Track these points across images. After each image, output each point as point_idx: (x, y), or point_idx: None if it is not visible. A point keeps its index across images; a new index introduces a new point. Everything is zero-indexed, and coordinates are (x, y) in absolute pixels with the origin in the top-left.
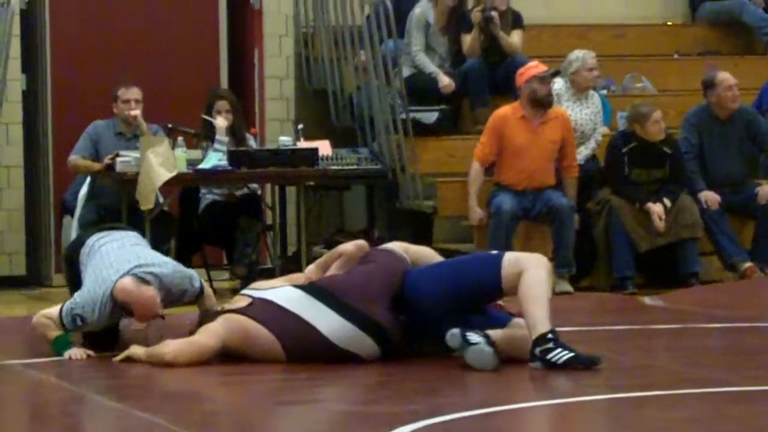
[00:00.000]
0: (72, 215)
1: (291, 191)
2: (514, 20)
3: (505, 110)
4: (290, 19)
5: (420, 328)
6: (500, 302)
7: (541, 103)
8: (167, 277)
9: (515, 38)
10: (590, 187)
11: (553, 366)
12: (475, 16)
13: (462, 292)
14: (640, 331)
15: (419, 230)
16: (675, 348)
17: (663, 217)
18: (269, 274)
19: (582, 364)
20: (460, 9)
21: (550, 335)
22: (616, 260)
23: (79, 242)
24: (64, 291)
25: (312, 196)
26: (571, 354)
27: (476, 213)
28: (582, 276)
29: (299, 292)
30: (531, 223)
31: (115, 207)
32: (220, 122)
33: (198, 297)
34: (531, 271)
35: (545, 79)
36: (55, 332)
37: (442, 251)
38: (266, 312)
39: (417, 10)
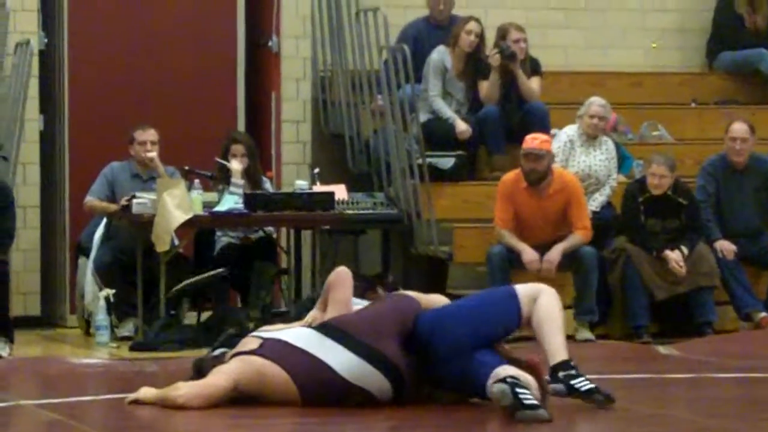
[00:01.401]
0: (87, 256)
1: (306, 235)
2: (533, 67)
3: (511, 176)
4: (308, 62)
5: (430, 369)
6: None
7: (528, 179)
8: None
9: (534, 84)
10: (606, 235)
11: (575, 392)
12: (494, 58)
13: (481, 331)
14: (654, 380)
15: (434, 276)
16: (689, 398)
17: (682, 264)
18: (283, 318)
19: (602, 396)
20: (478, 55)
21: (573, 362)
22: (632, 309)
23: None
24: (78, 332)
25: (327, 240)
26: (593, 385)
27: (529, 254)
28: (597, 324)
29: (309, 331)
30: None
31: (131, 249)
32: (236, 166)
33: None
34: (543, 298)
35: (529, 155)
36: None
37: (456, 297)
38: (278, 351)
39: (434, 55)
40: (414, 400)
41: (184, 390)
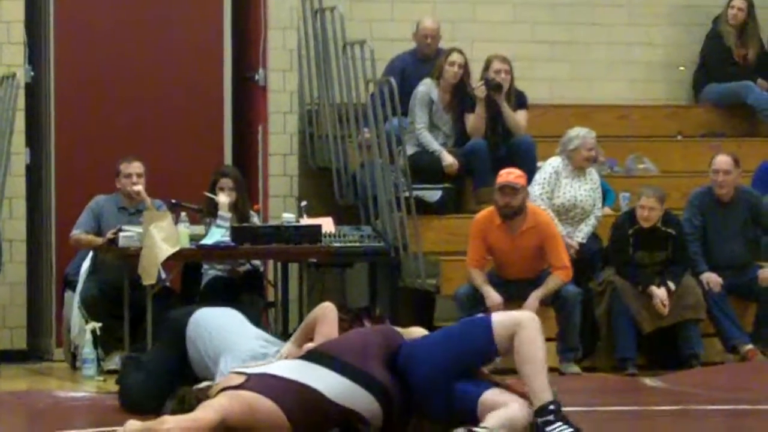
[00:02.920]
0: (74, 290)
1: (293, 268)
2: (519, 100)
3: (484, 214)
4: (295, 96)
5: (414, 399)
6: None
7: (502, 213)
8: None
9: (520, 117)
10: (591, 267)
11: None
12: (479, 90)
13: (457, 360)
14: (641, 412)
15: (421, 309)
16: (676, 430)
17: (666, 303)
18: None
19: None
20: (463, 87)
21: (551, 406)
22: (618, 341)
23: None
24: (65, 366)
25: (314, 274)
26: (571, 430)
27: (493, 298)
28: (583, 356)
29: (295, 361)
30: (515, 304)
31: (118, 282)
32: (223, 199)
33: None
34: (523, 333)
35: (504, 189)
36: None
37: None
38: (265, 384)
39: (421, 88)
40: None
41: (171, 424)
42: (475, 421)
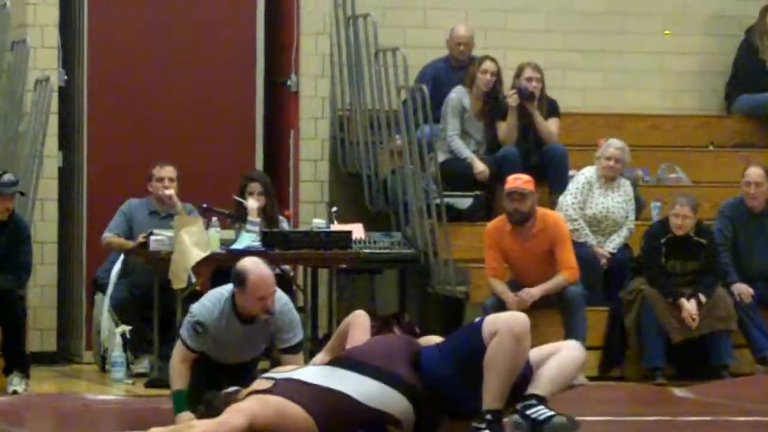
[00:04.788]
0: (104, 293)
1: (323, 273)
2: (550, 108)
3: (495, 223)
4: (326, 101)
5: (443, 399)
6: None
7: (511, 219)
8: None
9: (552, 126)
10: (622, 276)
11: None
12: (512, 98)
13: (463, 358)
14: (669, 422)
15: (450, 316)
16: None
17: (695, 317)
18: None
19: None
20: (495, 94)
21: (488, 416)
22: (647, 350)
23: None
24: (94, 368)
25: (344, 279)
26: None
27: (512, 303)
28: (612, 365)
29: (323, 367)
30: (542, 311)
31: (148, 285)
32: (252, 204)
33: (290, 351)
34: (496, 337)
35: (512, 195)
36: (177, 384)
37: None
38: (292, 389)
39: (453, 95)
40: None
41: (200, 428)
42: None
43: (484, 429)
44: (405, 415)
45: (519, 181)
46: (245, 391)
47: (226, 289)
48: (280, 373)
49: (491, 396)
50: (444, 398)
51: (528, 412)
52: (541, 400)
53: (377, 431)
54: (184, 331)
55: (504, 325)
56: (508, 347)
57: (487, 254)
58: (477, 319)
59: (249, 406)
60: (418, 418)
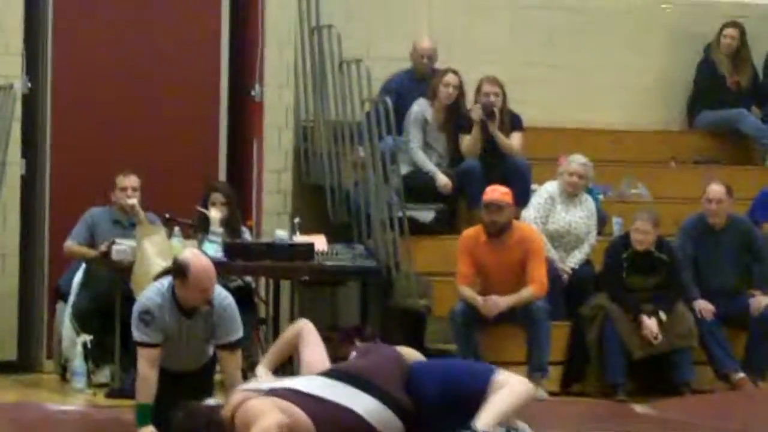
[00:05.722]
0: (66, 301)
1: (285, 285)
2: (513, 122)
3: (471, 232)
4: (291, 111)
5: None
6: None
7: (488, 231)
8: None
9: (514, 140)
10: (584, 292)
11: None
12: (475, 112)
13: (455, 387)
14: None
15: (412, 329)
16: None
17: (656, 335)
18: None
19: None
20: (458, 108)
21: (480, 429)
22: (609, 366)
23: None
24: (55, 378)
25: (306, 291)
26: None
27: (481, 302)
28: (573, 381)
29: (326, 380)
30: (506, 326)
31: (110, 294)
32: (214, 214)
33: (228, 348)
34: (514, 380)
35: (489, 206)
36: (142, 396)
37: (434, 352)
38: (298, 398)
39: (415, 107)
40: None
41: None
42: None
43: None
44: None
45: (496, 192)
46: (237, 398)
47: (165, 281)
48: (265, 384)
49: (488, 417)
50: (431, 416)
51: None
52: None
53: None
54: (136, 332)
55: (519, 379)
56: (522, 392)
57: (460, 260)
58: (487, 366)
59: (264, 403)
60: None
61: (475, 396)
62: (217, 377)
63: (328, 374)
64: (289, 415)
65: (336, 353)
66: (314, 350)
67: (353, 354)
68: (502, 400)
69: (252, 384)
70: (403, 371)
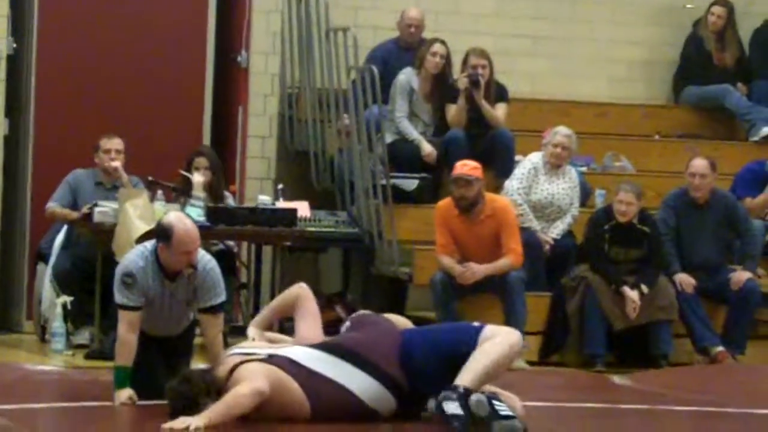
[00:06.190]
0: (46, 263)
1: (267, 250)
2: (499, 94)
3: (444, 204)
4: (276, 78)
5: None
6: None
7: (458, 205)
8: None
9: (499, 111)
10: (565, 262)
11: (440, 413)
12: (461, 81)
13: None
14: (607, 410)
15: (393, 297)
16: (640, 429)
17: (637, 306)
18: (241, 332)
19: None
20: (444, 78)
21: (461, 389)
22: (589, 337)
23: None
24: (34, 339)
25: (288, 257)
26: (461, 413)
27: (458, 270)
28: (552, 351)
29: (324, 354)
30: (483, 295)
31: (91, 257)
32: (197, 179)
33: (210, 312)
34: (498, 338)
35: (458, 181)
36: (122, 359)
37: (415, 319)
38: (295, 368)
39: (401, 77)
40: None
41: (236, 398)
42: None
43: (455, 399)
44: (390, 412)
45: (466, 167)
46: (226, 366)
47: (148, 244)
48: (262, 348)
49: (470, 376)
50: (422, 384)
51: (443, 403)
52: (462, 394)
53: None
54: (117, 294)
55: (505, 333)
56: (505, 348)
57: (437, 231)
58: (475, 324)
59: (258, 369)
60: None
61: (466, 359)
62: (197, 341)
63: (327, 348)
64: (284, 387)
65: None
66: (310, 324)
67: (346, 324)
68: (483, 355)
69: (248, 346)
70: (397, 345)
